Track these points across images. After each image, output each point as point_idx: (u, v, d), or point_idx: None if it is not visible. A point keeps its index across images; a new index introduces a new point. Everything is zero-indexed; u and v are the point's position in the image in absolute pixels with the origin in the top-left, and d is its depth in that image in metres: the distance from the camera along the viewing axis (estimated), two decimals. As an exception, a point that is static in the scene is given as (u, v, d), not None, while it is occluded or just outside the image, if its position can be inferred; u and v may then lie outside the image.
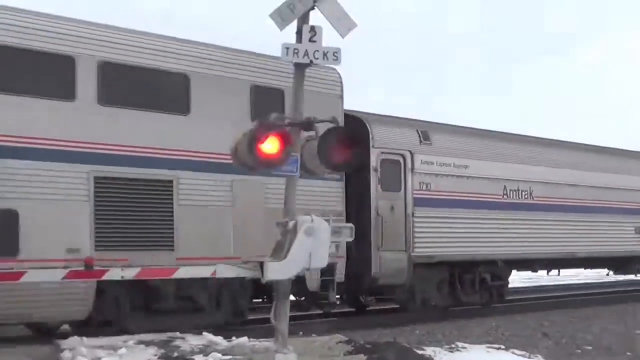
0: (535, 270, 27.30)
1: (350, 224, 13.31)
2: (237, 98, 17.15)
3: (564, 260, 26.72)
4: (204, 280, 15.85)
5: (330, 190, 19.28)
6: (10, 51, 14.47)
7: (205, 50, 17.07)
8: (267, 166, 11.02)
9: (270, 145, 10.53)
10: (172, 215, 16.09)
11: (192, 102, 16.62)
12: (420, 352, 14.18)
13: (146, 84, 16.15)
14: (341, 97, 19.79)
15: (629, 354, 16.10)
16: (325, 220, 10.96)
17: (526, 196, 24.36)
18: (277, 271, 10.51)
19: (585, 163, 27.06)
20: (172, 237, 16.03)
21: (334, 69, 19.60)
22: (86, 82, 15.19)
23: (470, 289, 23.18)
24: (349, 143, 10.95)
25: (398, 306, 22.66)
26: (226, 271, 11.75)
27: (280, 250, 10.76)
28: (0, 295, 13.56)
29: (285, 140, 10.67)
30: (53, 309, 14.51)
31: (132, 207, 15.53)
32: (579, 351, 16.29)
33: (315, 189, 17.78)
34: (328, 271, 18.35)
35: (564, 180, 25.71)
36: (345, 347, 13.41)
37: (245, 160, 11.02)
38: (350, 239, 12.86)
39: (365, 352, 12.99)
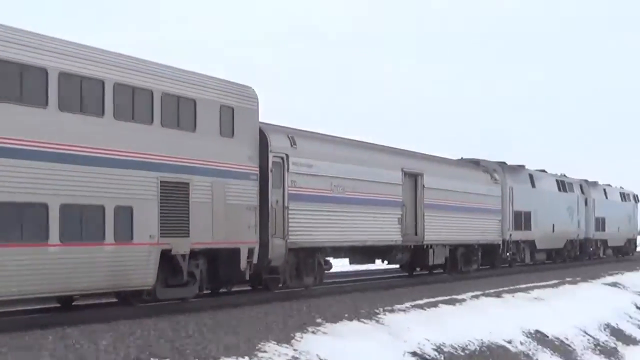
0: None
1: None
2: None
3: (360, 248, 31.96)
4: None
5: (248, 189, 24.10)
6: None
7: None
8: None
9: None
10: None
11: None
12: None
13: None
14: (256, 111, 24.93)
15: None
16: None
17: (341, 191, 29.11)
18: None
19: (371, 160, 32.45)
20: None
21: (251, 87, 25.05)
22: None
23: (311, 271, 28.11)
24: None
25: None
26: None
27: None
28: None
29: None
30: None
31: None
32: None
33: (240, 187, 23.57)
34: (249, 255, 23.65)
35: (362, 176, 30.92)
36: None
37: None
38: None
39: None
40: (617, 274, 50.21)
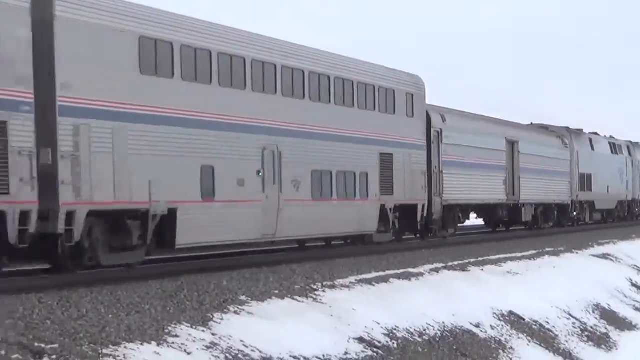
0: None
1: None
2: None
3: (480, 205, 40.73)
4: None
5: (422, 157, 32.47)
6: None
7: None
8: None
9: None
10: None
11: None
12: None
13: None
14: (425, 96, 32.66)
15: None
16: None
17: (471, 157, 37.11)
18: None
19: (485, 130, 41.77)
20: None
21: (420, 77, 32.91)
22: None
23: (452, 224, 36.49)
24: None
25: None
26: None
27: None
28: None
29: None
30: None
31: None
32: None
33: (418, 157, 31.83)
34: (422, 209, 31.79)
35: (482, 145, 39.60)
36: None
37: None
38: None
39: None
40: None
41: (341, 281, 20.76)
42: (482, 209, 40.77)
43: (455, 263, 26.90)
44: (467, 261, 27.66)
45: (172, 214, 19.77)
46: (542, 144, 47.35)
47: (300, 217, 24.40)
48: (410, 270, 23.97)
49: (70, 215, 16.90)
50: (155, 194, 19.27)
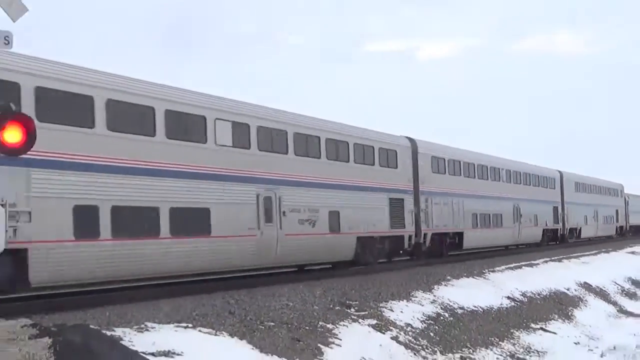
0: None
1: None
2: None
3: None
4: None
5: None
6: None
7: None
8: None
9: None
10: None
11: None
12: (109, 333, 14.60)
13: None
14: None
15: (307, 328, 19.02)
16: (1, 204, 12.10)
17: None
18: None
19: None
20: None
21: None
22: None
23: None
24: (26, 128, 11.33)
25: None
26: None
27: None
28: None
29: None
30: None
31: None
32: (263, 327, 18.02)
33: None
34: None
35: None
36: (30, 331, 13.31)
37: None
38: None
39: (50, 335, 12.86)
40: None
41: (497, 268, 37.41)
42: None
43: (554, 258, 47.31)
44: (560, 257, 48.63)
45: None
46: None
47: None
48: (532, 262, 42.79)
49: None
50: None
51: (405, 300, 24.78)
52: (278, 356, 16.44)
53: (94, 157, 20.64)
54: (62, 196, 19.52)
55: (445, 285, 29.28)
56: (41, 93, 19.19)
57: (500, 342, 25.05)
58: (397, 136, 37.73)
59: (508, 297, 31.08)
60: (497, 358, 23.54)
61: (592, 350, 27.57)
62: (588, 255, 53.25)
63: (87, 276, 20.63)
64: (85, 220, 20.13)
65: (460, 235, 42.03)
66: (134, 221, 21.83)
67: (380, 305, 23.35)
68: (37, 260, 18.49)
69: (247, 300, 20.80)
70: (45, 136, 17.37)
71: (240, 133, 26.62)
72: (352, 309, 22.10)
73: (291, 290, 23.33)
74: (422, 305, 25.01)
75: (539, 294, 34.09)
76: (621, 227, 79.96)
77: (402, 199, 36.11)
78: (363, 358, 18.61)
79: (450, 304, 26.69)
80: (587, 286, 40.06)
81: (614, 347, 27.67)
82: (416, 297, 25.87)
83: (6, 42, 11.38)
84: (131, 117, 22.26)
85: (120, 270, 21.54)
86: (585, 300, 37.17)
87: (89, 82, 20.95)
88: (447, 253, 41.24)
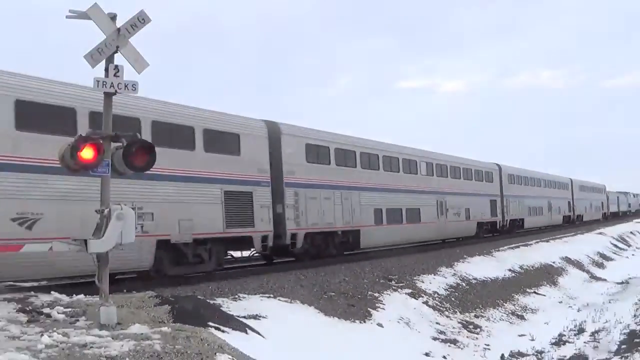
0: None
1: (152, 212, 19.78)
2: None
3: None
4: None
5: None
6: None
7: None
8: (86, 169, 12.09)
9: (87, 153, 11.73)
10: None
11: None
12: (211, 302, 16.45)
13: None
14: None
15: (359, 296, 21.48)
16: (132, 208, 12.53)
17: None
18: (97, 246, 11.72)
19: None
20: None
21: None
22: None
23: None
24: (147, 151, 12.26)
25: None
26: (61, 246, 12.01)
27: (99, 231, 11.91)
28: None
29: (99, 149, 11.81)
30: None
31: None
32: (326, 296, 20.46)
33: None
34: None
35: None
36: (155, 300, 14.57)
37: (69, 165, 12.20)
38: (150, 222, 19.38)
39: (169, 303, 14.19)
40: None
41: (501, 248, 40.49)
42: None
43: (544, 239, 50.54)
44: (548, 238, 52.32)
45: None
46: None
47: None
48: (527, 242, 46.06)
49: None
50: None
51: (432, 274, 27.71)
52: (338, 317, 18.80)
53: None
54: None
55: (462, 262, 32.37)
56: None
57: (504, 303, 28.14)
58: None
59: (509, 270, 34.48)
60: (502, 315, 26.50)
61: (571, 307, 30.86)
62: (568, 236, 57.52)
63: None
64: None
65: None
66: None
67: (414, 278, 26.15)
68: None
69: (313, 276, 22.98)
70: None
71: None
72: (393, 282, 24.72)
73: (347, 269, 25.52)
74: (445, 278, 28.04)
75: (532, 267, 37.71)
76: (569, 216, 75.83)
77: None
78: (401, 317, 21.12)
79: (467, 276, 29.92)
80: (567, 259, 43.79)
81: (587, 304, 31.22)
82: (441, 271, 28.83)
83: (134, 89, 12.20)
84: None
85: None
86: (566, 270, 40.83)
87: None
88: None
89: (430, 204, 38.22)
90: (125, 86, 12.15)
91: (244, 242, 23.92)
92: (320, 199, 27.54)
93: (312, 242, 27.14)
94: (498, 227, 50.62)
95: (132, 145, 12.13)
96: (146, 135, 19.17)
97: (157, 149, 12.45)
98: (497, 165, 53.04)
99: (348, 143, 30.79)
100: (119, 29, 12.08)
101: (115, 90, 12.11)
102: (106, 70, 12.09)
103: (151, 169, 12.64)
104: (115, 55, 12.17)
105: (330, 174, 28.74)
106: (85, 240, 11.86)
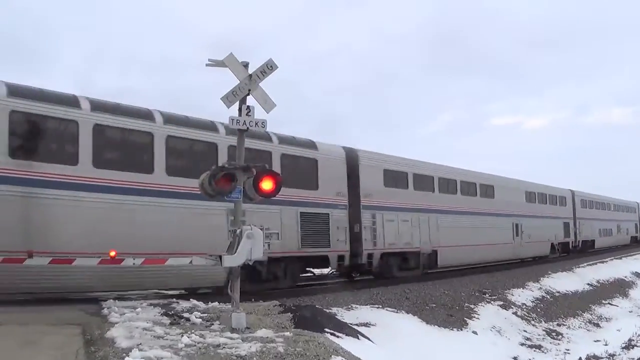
0: None
1: (277, 232, 18.72)
2: None
3: None
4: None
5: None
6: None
7: None
8: (221, 194, 11.69)
9: (223, 181, 11.43)
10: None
11: None
12: (328, 311, 15.70)
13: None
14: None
15: (457, 308, 20.40)
16: (260, 229, 11.90)
17: None
18: (231, 261, 11.43)
19: None
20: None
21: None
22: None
23: None
24: (275, 180, 11.82)
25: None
26: (199, 260, 11.87)
27: (232, 248, 11.60)
28: None
29: (233, 178, 11.50)
30: None
31: None
32: (428, 307, 19.55)
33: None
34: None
35: None
36: (279, 308, 14.16)
37: (207, 191, 11.84)
38: (277, 241, 18.21)
39: (291, 312, 13.71)
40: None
41: (581, 265, 37.47)
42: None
43: (617, 257, 45.87)
44: (621, 255, 47.31)
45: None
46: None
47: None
48: (603, 260, 42.16)
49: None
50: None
51: (521, 288, 26.13)
52: (438, 326, 17.82)
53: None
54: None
55: (547, 277, 30.29)
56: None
57: (583, 313, 26.47)
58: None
59: (588, 284, 32.40)
60: (580, 323, 24.91)
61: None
62: (637, 254, 51.58)
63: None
64: None
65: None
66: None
67: (505, 291, 24.74)
68: None
69: (417, 290, 21.67)
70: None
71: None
72: (487, 294, 23.40)
73: (446, 283, 24.17)
74: (532, 291, 26.44)
75: (607, 281, 35.36)
76: (636, 236, 67.78)
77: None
78: (494, 326, 19.95)
79: (551, 289, 28.08)
80: (637, 274, 40.89)
81: (655, 313, 28.95)
82: (528, 285, 27.18)
83: (263, 126, 11.79)
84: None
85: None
86: (636, 283, 38.09)
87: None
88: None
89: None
90: (256, 124, 11.74)
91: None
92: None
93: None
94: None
95: (260, 174, 11.71)
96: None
97: None
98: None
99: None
100: (250, 75, 11.70)
101: (247, 127, 11.70)
102: (239, 110, 11.70)
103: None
104: (247, 97, 11.76)
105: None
106: (220, 256, 11.51)
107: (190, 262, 11.91)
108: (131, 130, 15.54)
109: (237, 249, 11.43)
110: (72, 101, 14.71)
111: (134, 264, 12.45)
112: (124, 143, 15.51)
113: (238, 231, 11.57)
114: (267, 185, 11.68)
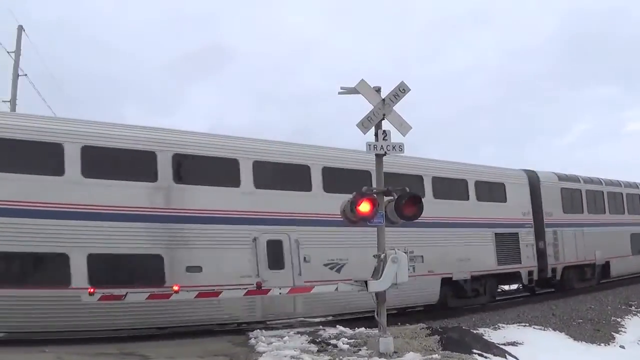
0: None
1: (421, 255, 18.11)
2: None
3: None
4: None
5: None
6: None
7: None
8: (364, 220, 11.49)
9: (364, 207, 11.24)
10: None
11: None
12: (475, 331, 15.25)
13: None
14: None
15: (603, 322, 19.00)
16: (404, 252, 11.62)
17: None
18: (376, 286, 11.23)
19: None
20: None
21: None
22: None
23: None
24: (415, 202, 11.54)
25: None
26: (345, 287, 11.58)
27: (377, 273, 11.42)
28: None
29: (374, 203, 11.31)
30: None
31: None
32: (575, 323, 18.58)
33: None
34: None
35: None
36: (426, 331, 13.76)
37: (349, 217, 11.75)
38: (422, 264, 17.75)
39: (438, 334, 13.35)
40: None
41: None
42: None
43: None
44: None
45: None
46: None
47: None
48: None
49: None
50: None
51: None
52: (585, 341, 16.95)
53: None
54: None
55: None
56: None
57: None
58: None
59: None
60: None
61: None
62: None
63: None
64: None
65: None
66: None
67: None
68: None
69: (563, 306, 21.03)
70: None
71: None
72: (633, 307, 22.15)
73: (592, 298, 23.01)
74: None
75: None
76: None
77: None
78: None
79: None
80: None
81: None
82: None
83: (400, 150, 11.62)
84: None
85: None
86: None
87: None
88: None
89: None
90: (393, 148, 11.62)
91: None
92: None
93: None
94: None
95: (402, 198, 11.53)
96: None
97: (436, 200, 11.58)
98: None
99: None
100: (383, 99, 11.66)
101: (385, 152, 11.61)
102: (376, 135, 11.62)
103: (431, 217, 11.72)
104: (382, 121, 11.71)
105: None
106: (366, 281, 11.37)
107: (336, 289, 11.81)
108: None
109: (382, 273, 11.27)
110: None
111: (280, 293, 12.56)
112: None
113: (382, 256, 11.42)
114: (409, 208, 11.49)
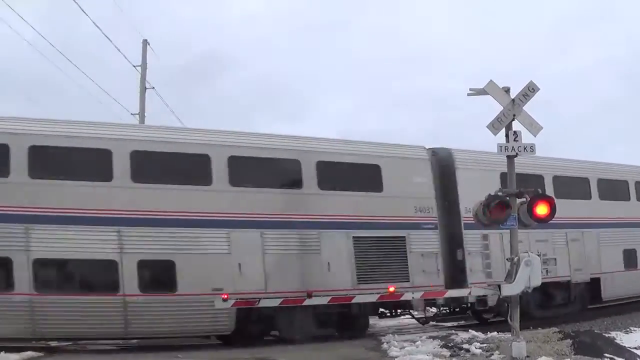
0: None
1: (555, 257, 17.07)
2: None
3: None
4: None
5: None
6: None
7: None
8: (496, 223, 11.11)
9: (498, 209, 10.81)
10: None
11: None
12: (607, 335, 14.79)
13: None
14: None
15: None
16: (537, 255, 11.21)
17: None
18: (509, 289, 10.86)
19: None
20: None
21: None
22: None
23: None
24: (549, 204, 11.02)
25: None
26: (478, 291, 11.77)
27: (510, 276, 11.03)
28: None
29: (507, 205, 10.87)
30: None
31: None
32: None
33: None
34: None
35: None
36: (558, 335, 13.46)
37: (481, 220, 11.31)
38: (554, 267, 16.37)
39: (570, 338, 13.02)
40: None
41: None
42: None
43: None
44: None
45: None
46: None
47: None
48: None
49: None
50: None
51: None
52: None
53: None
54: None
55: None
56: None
57: None
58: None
59: None
60: None
61: None
62: None
63: None
64: None
65: None
66: None
67: None
68: None
69: None
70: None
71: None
72: None
73: None
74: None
75: None
76: None
77: None
78: None
79: None
80: None
81: None
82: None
83: (532, 150, 11.27)
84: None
85: None
86: None
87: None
88: None
89: None
90: (525, 148, 11.22)
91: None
92: None
93: None
94: None
95: (534, 199, 11.09)
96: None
97: (557, 200, 11.12)
98: None
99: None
100: (513, 100, 11.32)
101: (516, 153, 11.21)
102: (506, 136, 11.26)
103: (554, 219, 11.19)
104: (512, 122, 11.32)
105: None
106: (499, 285, 11.15)
107: (469, 293, 11.85)
108: None
109: (515, 277, 10.96)
110: None
111: (412, 297, 12.71)
112: None
113: (515, 259, 11.09)
114: (542, 210, 11.07)
